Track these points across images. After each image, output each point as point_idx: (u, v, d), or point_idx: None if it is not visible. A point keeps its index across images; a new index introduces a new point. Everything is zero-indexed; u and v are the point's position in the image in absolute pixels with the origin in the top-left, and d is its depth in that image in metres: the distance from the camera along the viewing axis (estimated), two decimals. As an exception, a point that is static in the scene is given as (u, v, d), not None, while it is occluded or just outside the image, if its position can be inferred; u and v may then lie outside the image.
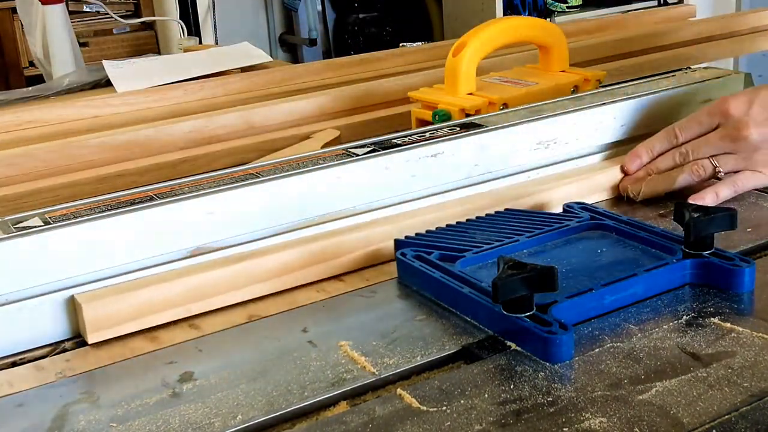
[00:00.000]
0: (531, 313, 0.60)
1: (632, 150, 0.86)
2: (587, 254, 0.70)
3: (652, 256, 0.69)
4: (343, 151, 0.79)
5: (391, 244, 0.74)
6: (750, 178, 0.82)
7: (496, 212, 0.78)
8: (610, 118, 0.90)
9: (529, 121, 0.86)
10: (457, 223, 0.77)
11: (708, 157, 0.82)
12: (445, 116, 0.96)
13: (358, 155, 0.78)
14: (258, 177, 0.74)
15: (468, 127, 0.85)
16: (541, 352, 0.58)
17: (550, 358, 0.57)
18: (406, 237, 0.74)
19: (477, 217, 0.77)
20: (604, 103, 0.91)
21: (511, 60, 1.25)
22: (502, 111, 0.94)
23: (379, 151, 0.79)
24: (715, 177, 0.82)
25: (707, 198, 0.80)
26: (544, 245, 0.72)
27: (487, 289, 0.62)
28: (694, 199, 0.79)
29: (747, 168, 0.82)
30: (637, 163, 0.86)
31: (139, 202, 0.70)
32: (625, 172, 0.86)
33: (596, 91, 0.99)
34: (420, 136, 0.82)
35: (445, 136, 0.82)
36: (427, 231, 0.75)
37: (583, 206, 0.78)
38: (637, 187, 0.84)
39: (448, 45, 1.11)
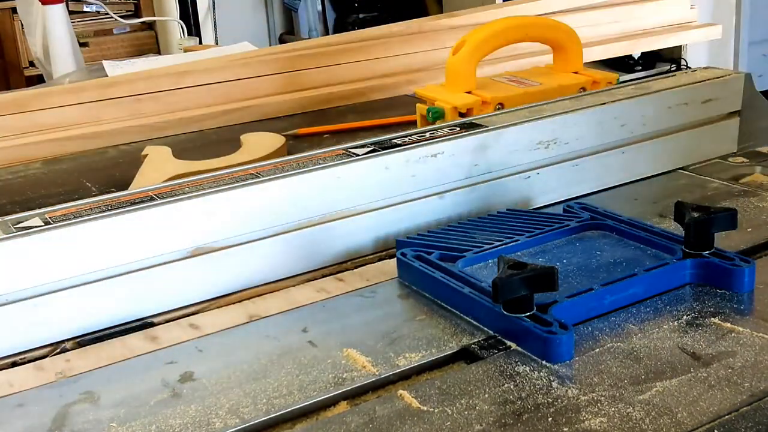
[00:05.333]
0: (531, 313, 0.60)
1: None
2: (587, 254, 0.70)
3: (652, 256, 0.69)
4: (343, 151, 0.79)
5: (392, 243, 0.74)
6: None
7: (498, 212, 0.78)
8: (611, 118, 0.90)
9: (529, 121, 0.86)
10: (458, 223, 0.77)
11: None
12: (438, 113, 0.97)
13: (358, 155, 0.78)
14: (258, 177, 0.74)
15: (468, 127, 0.84)
16: (542, 352, 0.58)
17: (551, 358, 0.57)
18: (407, 237, 0.74)
19: (478, 217, 0.77)
20: (604, 104, 0.91)
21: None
22: (503, 111, 0.94)
23: (379, 151, 0.79)
24: None
25: None
26: (544, 245, 0.72)
27: (487, 289, 0.62)
28: None
29: None
30: None
31: (139, 202, 0.69)
32: None
33: (596, 91, 0.99)
34: (420, 136, 0.82)
35: (445, 136, 0.82)
36: (429, 231, 0.75)
37: (583, 206, 0.78)
38: None
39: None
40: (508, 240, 0.72)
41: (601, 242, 0.72)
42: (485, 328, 0.62)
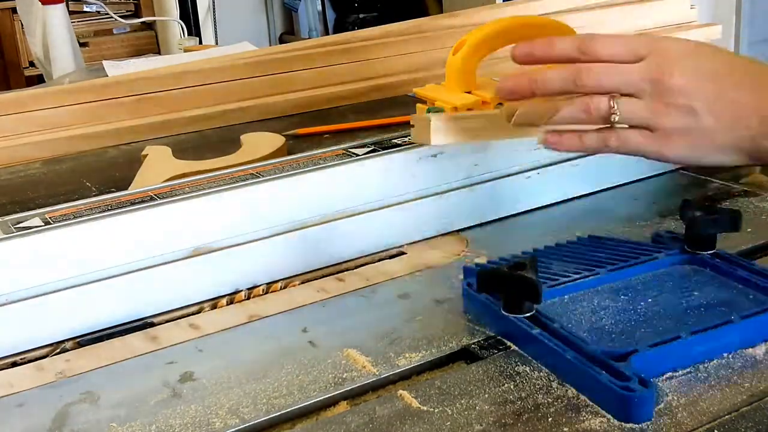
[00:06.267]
0: (531, 314, 0.59)
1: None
2: (676, 293, 0.63)
3: (752, 300, 0.61)
4: (343, 151, 0.79)
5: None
6: (637, 142, 0.63)
7: (578, 238, 0.71)
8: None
9: (529, 121, 0.86)
10: (534, 250, 0.69)
11: (608, 95, 0.62)
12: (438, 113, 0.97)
13: (358, 155, 0.78)
14: (258, 177, 0.74)
15: (468, 127, 0.84)
16: (617, 410, 0.51)
17: (629, 418, 0.51)
18: (476, 264, 0.68)
19: (555, 245, 0.70)
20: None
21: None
22: (503, 111, 0.94)
23: (379, 151, 0.79)
24: (608, 123, 0.63)
25: (565, 140, 0.64)
26: (628, 280, 0.65)
27: (560, 333, 0.56)
28: (547, 141, 0.64)
29: (648, 125, 0.62)
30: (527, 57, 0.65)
31: (139, 202, 0.69)
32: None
33: (596, 91, 0.99)
34: (420, 136, 0.82)
35: (445, 136, 0.82)
36: (500, 258, 0.67)
37: (675, 236, 0.70)
38: (513, 108, 0.66)
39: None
40: (587, 273, 0.65)
41: (693, 279, 0.64)
42: (488, 331, 0.62)
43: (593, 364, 0.53)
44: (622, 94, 0.62)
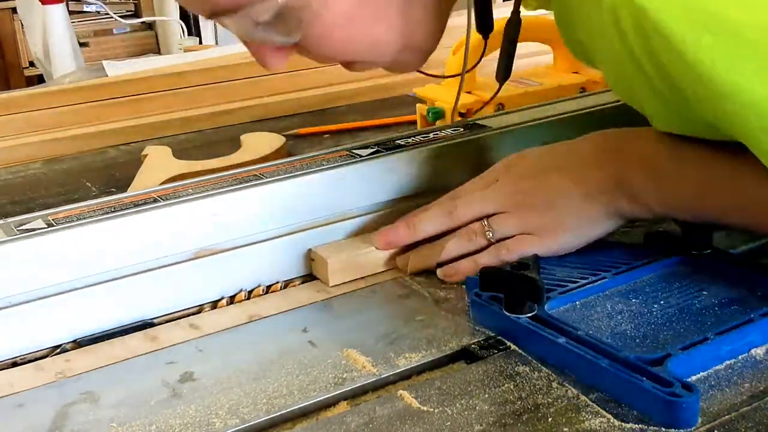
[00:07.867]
0: (532, 314, 0.59)
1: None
2: (685, 294, 0.62)
3: (760, 297, 0.61)
4: (347, 152, 0.79)
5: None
6: (525, 246, 0.67)
7: None
8: (613, 119, 0.90)
9: (531, 122, 0.86)
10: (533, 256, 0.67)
11: (479, 220, 0.70)
12: (438, 113, 0.97)
13: (361, 156, 0.78)
14: (262, 178, 0.74)
15: (471, 129, 0.85)
16: (662, 416, 0.50)
17: (675, 423, 0.50)
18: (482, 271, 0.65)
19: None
20: (606, 104, 0.91)
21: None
22: (506, 112, 0.94)
23: (382, 152, 0.79)
24: (489, 242, 0.69)
25: (461, 269, 0.69)
26: (634, 283, 0.64)
27: (585, 339, 0.55)
28: (446, 277, 0.69)
29: (524, 231, 0.68)
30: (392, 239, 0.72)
31: (142, 204, 0.69)
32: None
33: (599, 91, 0.99)
34: (423, 137, 0.82)
35: (449, 137, 0.82)
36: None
37: (671, 236, 0.69)
38: (404, 260, 0.72)
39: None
40: (593, 278, 0.64)
41: (696, 279, 0.64)
42: (489, 332, 0.62)
43: (631, 371, 0.52)
44: (493, 214, 0.69)
